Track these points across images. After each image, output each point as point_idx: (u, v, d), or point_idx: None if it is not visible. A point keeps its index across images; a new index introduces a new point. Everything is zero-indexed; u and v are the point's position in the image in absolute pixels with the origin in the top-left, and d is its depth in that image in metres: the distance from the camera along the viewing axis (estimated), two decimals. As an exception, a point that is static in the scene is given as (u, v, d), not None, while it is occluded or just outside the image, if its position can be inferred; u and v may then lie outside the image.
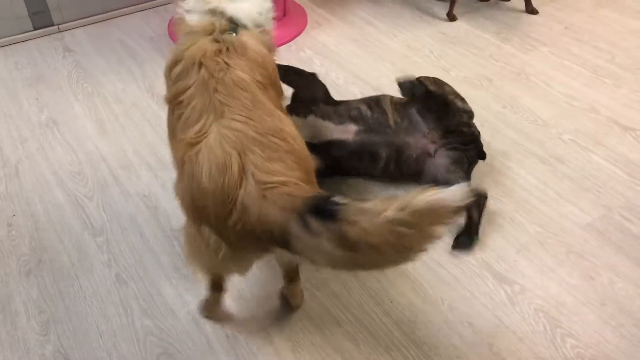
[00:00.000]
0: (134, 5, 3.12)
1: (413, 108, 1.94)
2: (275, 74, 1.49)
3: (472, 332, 1.57)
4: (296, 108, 1.98)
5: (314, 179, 1.27)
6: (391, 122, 1.91)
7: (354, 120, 1.92)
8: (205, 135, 1.22)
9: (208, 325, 1.60)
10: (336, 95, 2.33)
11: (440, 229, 1.04)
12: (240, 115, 1.23)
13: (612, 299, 1.64)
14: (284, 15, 2.91)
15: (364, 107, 1.95)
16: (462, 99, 1.97)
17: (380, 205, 1.04)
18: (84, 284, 1.72)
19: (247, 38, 1.43)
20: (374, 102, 1.98)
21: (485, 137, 2.19)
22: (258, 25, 1.50)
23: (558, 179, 2.03)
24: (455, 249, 1.78)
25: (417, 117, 1.92)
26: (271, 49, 1.53)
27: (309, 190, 1.17)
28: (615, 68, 2.59)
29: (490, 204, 1.91)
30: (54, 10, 2.93)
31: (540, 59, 2.67)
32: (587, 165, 2.08)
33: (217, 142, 1.19)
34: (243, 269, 1.36)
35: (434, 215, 1.02)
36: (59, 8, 2.94)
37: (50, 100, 2.46)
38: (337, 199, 1.09)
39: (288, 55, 2.74)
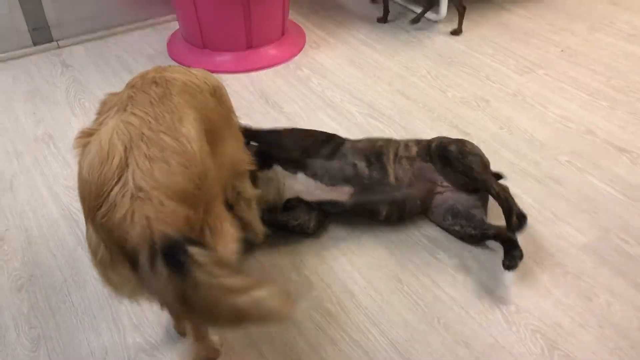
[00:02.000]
0: (133, 22, 3.14)
1: (424, 165, 1.89)
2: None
3: (468, 351, 1.55)
4: (284, 165, 1.89)
5: (207, 186, 1.19)
6: (391, 179, 1.83)
7: (347, 181, 1.83)
8: (101, 126, 1.19)
9: (201, 343, 1.57)
10: (333, 114, 2.35)
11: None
12: (141, 110, 1.20)
13: (610, 320, 1.62)
14: (283, 34, 2.94)
15: (362, 164, 1.85)
16: (492, 178, 1.85)
17: (234, 281, 1.00)
18: (76, 300, 1.69)
19: None
20: (375, 157, 1.87)
21: (482, 157, 2.20)
22: None
23: (554, 199, 2.03)
24: (510, 268, 1.68)
25: (429, 173, 1.88)
26: None
27: (169, 221, 1.06)
28: (611, 91, 2.61)
29: (487, 223, 1.91)
30: (53, 26, 2.95)
31: (536, 81, 2.69)
32: (583, 187, 2.08)
33: (107, 134, 1.15)
34: (124, 286, 1.19)
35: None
36: (59, 24, 2.96)
37: (47, 114, 2.46)
38: (192, 249, 1.02)
39: (286, 74, 2.75)
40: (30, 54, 2.92)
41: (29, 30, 2.90)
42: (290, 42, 2.95)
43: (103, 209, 1.09)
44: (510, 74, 2.74)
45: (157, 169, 1.10)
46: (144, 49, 2.96)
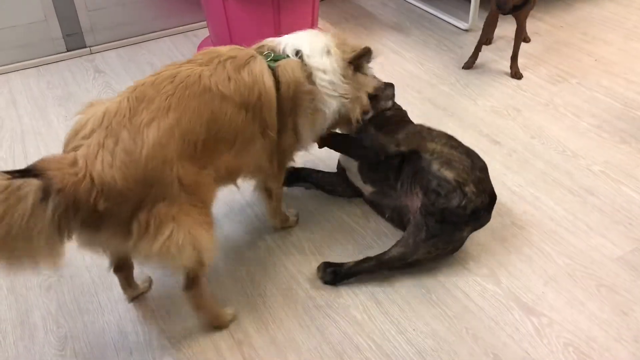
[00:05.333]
0: (164, 29, 3.18)
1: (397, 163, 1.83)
2: (267, 113, 1.55)
3: (498, 364, 1.51)
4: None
5: (148, 188, 1.31)
6: (398, 185, 1.83)
7: (372, 182, 1.91)
8: (107, 102, 1.40)
9: (225, 345, 1.57)
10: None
11: None
12: (129, 101, 1.36)
13: (646, 335, 1.57)
14: (312, 42, 2.94)
15: (392, 175, 1.84)
16: (445, 163, 1.71)
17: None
18: (103, 300, 1.70)
19: (259, 64, 1.55)
20: (413, 172, 1.82)
21: (514, 167, 2.16)
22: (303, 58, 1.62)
23: (588, 210, 1.98)
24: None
25: (409, 176, 1.80)
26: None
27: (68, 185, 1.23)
28: (647, 101, 2.55)
29: (518, 233, 1.87)
30: (87, 32, 3.00)
31: (569, 90, 2.64)
32: (617, 198, 2.02)
33: (91, 113, 1.37)
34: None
35: None
36: (92, 31, 3.01)
37: (79, 119, 2.49)
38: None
39: (314, 81, 2.75)
40: (64, 60, 2.97)
41: (63, 37, 2.96)
42: (319, 49, 2.96)
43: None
44: (542, 83, 2.70)
45: (100, 157, 1.28)
46: (175, 55, 3.00)
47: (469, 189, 1.67)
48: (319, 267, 1.75)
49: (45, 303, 1.70)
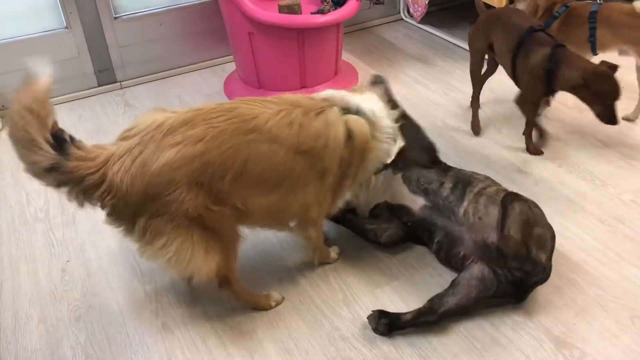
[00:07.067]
0: (192, 64, 3.26)
1: (497, 211, 1.73)
2: (330, 161, 1.60)
3: (529, 398, 1.47)
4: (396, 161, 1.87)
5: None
6: (461, 211, 1.77)
7: (425, 194, 1.84)
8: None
9: (252, 379, 1.56)
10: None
11: None
12: (162, 132, 1.46)
13: (683, 369, 1.52)
14: (336, 74, 2.98)
15: (448, 184, 1.84)
16: (540, 247, 1.66)
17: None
18: (131, 331, 1.72)
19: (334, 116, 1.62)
20: (463, 184, 1.83)
21: (541, 197, 2.13)
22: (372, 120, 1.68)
23: (619, 240, 1.94)
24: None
25: (492, 221, 1.72)
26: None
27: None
28: (677, 128, 2.50)
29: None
30: (118, 68, 3.09)
31: (594, 117, 2.61)
32: (649, 227, 1.98)
33: (129, 140, 1.50)
34: None
35: None
36: (123, 66, 3.10)
37: (109, 151, 2.55)
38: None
39: (339, 112, 2.77)
40: (95, 94, 3.06)
41: (95, 72, 3.05)
42: (343, 81, 2.99)
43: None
44: (568, 111, 2.67)
45: (122, 160, 1.44)
46: (202, 89, 3.06)
47: (549, 263, 1.69)
48: (372, 316, 1.67)
49: (75, 333, 1.72)
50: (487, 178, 1.90)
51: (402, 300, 1.76)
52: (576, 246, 1.92)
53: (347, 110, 1.67)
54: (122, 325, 1.74)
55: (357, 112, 1.67)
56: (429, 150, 1.99)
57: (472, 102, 2.58)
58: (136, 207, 1.45)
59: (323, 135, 1.57)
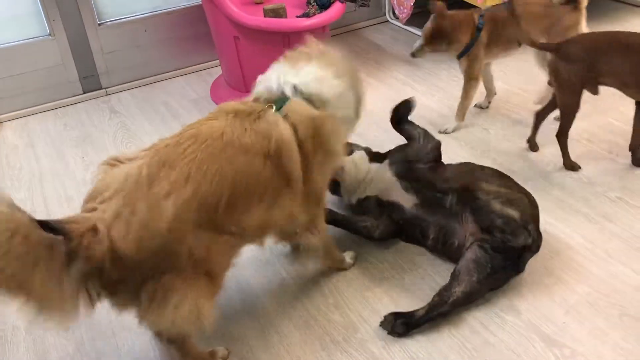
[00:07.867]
0: (178, 69, 3.25)
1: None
2: (287, 157, 1.50)
3: (521, 399, 1.48)
4: (391, 155, 1.99)
5: (159, 260, 1.30)
6: (447, 204, 1.81)
7: (417, 191, 1.87)
8: (129, 162, 1.41)
9: (243, 386, 1.55)
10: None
11: None
12: (151, 164, 1.35)
13: (673, 366, 1.53)
14: (323, 76, 2.98)
15: (440, 181, 1.86)
16: (507, 202, 1.75)
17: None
18: (120, 342, 1.70)
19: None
20: (456, 180, 1.86)
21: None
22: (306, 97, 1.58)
23: (606, 238, 1.95)
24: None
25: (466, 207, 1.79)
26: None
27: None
28: (661, 125, 2.52)
29: (535, 262, 1.85)
30: (102, 74, 3.07)
31: (583, 117, 2.62)
32: (636, 224, 2.00)
33: (115, 174, 1.37)
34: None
35: None
36: (108, 73, 3.08)
37: (95, 159, 2.53)
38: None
39: (326, 115, 2.77)
40: (80, 102, 3.04)
41: (79, 79, 3.03)
42: (330, 84, 2.99)
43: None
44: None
45: (116, 228, 1.26)
46: (188, 94, 3.05)
47: (532, 227, 1.73)
48: (385, 320, 1.66)
49: (64, 344, 1.70)
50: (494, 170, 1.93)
51: (392, 302, 1.76)
52: (564, 244, 1.93)
53: (283, 98, 1.55)
54: (112, 336, 1.72)
55: (295, 92, 1.56)
56: (434, 150, 1.98)
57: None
58: (147, 269, 1.30)
59: (272, 138, 1.46)
